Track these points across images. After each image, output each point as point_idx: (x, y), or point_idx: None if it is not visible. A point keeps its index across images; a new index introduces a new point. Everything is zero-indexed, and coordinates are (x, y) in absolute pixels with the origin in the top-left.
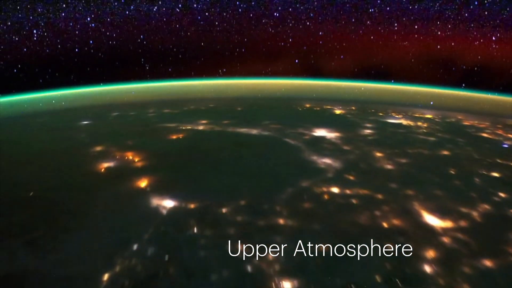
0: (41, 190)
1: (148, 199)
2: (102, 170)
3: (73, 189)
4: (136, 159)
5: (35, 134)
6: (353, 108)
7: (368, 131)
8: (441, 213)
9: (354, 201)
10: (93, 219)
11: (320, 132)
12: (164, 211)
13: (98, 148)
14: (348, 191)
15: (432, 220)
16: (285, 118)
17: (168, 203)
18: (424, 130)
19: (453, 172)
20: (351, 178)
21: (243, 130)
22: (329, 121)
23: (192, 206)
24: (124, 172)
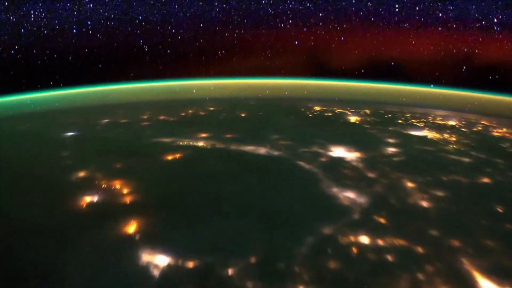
0: (3, 240)
1: (137, 253)
2: (83, 206)
3: (46, 237)
4: (125, 190)
5: (5, 150)
6: (367, 112)
7: (392, 149)
8: (499, 275)
9: (389, 257)
10: (70, 285)
11: (337, 151)
12: (157, 273)
13: (81, 174)
14: (380, 242)
15: (489, 286)
16: (295, 129)
17: (162, 260)
18: (454, 146)
19: (501, 210)
20: (382, 221)
21: (249, 148)
22: (346, 134)
23: (191, 265)
24: (108, 211)
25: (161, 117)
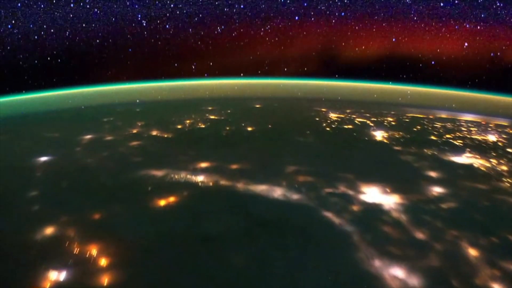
0: None
1: None
2: None
3: None
4: (102, 261)
5: None
6: (392, 122)
7: (437, 188)
8: None
9: None
10: None
11: (370, 193)
12: None
13: (48, 231)
14: None
15: None
16: (315, 155)
17: None
18: (510, 181)
19: None
20: None
21: (261, 189)
22: (376, 163)
23: None
24: None
25: (154, 132)
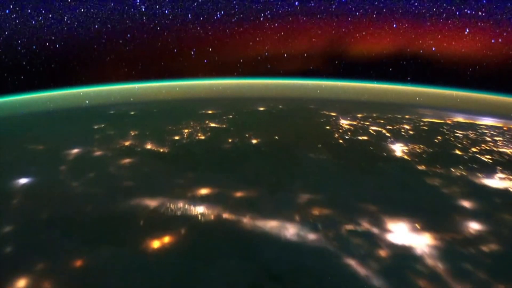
0: None
1: None
2: None
3: None
4: None
5: None
6: (410, 131)
7: (474, 225)
8: None
9: None
10: None
11: (397, 230)
12: None
13: (20, 284)
14: None
15: None
16: (330, 178)
17: None
18: None
19: None
20: None
21: (271, 225)
22: (399, 187)
23: None
24: None
25: (148, 145)
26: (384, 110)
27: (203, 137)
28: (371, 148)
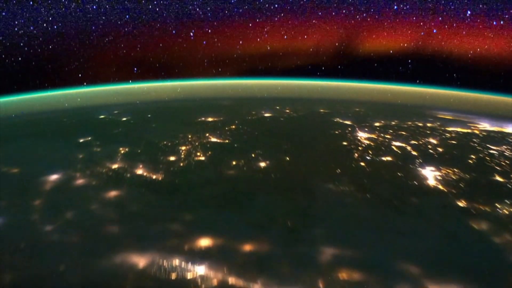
0: None
1: None
2: None
3: None
4: None
5: None
6: (438, 147)
7: None
8: None
9: None
10: None
11: None
12: None
13: None
14: None
15: None
16: (356, 221)
17: None
18: None
19: None
20: None
21: None
22: (441, 236)
23: None
24: None
25: (139, 171)
26: (402, 115)
27: (202, 158)
28: (399, 174)
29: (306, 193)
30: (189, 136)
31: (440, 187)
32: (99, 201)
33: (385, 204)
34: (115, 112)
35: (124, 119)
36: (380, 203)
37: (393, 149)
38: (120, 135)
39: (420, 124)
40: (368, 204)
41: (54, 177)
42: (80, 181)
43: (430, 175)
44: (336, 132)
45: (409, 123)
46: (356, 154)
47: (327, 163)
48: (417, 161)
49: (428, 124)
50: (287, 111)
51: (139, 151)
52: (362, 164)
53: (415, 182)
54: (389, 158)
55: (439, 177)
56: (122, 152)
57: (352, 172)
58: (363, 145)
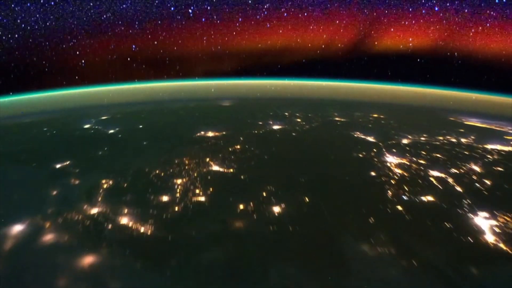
0: None
1: None
2: None
3: None
4: None
5: None
6: (484, 178)
7: None
8: None
9: None
10: None
11: None
12: None
13: None
14: None
15: None
16: None
17: None
18: None
19: None
20: None
21: None
22: None
23: None
24: None
25: (123, 220)
26: (428, 125)
27: (202, 199)
28: (447, 225)
29: (334, 260)
30: (186, 162)
31: (502, 246)
32: (69, 274)
33: (438, 276)
34: (103, 118)
35: (111, 131)
36: (432, 276)
37: (432, 182)
38: (104, 159)
39: (454, 141)
40: (417, 278)
41: (16, 229)
42: (48, 237)
43: (485, 225)
44: (360, 156)
45: (441, 138)
46: (389, 192)
47: (357, 207)
48: (465, 202)
49: (463, 140)
50: (298, 120)
51: (125, 185)
52: (399, 208)
53: (469, 238)
54: (430, 198)
55: (497, 229)
56: (105, 186)
57: (388, 221)
58: (395, 176)
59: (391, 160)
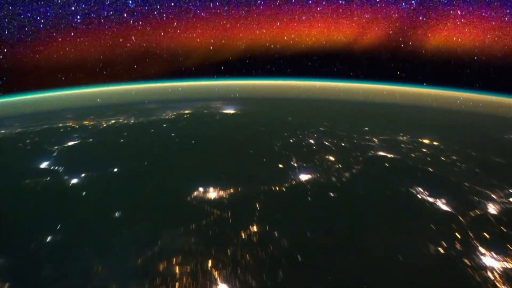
0: None
1: None
2: None
3: None
4: None
5: None
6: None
7: None
8: None
9: None
10: None
11: None
12: None
13: None
14: None
15: None
16: None
17: None
18: None
19: None
20: None
21: None
22: None
23: None
24: None
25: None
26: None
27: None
28: None
29: None
30: (176, 272)
31: None
32: None
33: None
34: (70, 144)
35: (74, 182)
36: None
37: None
38: (76, 199)
39: None
40: None
41: None
42: None
43: None
44: (442, 251)
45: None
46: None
47: None
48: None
49: None
50: (331, 158)
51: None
52: None
53: None
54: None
55: None
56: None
57: None
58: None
59: (490, 262)
